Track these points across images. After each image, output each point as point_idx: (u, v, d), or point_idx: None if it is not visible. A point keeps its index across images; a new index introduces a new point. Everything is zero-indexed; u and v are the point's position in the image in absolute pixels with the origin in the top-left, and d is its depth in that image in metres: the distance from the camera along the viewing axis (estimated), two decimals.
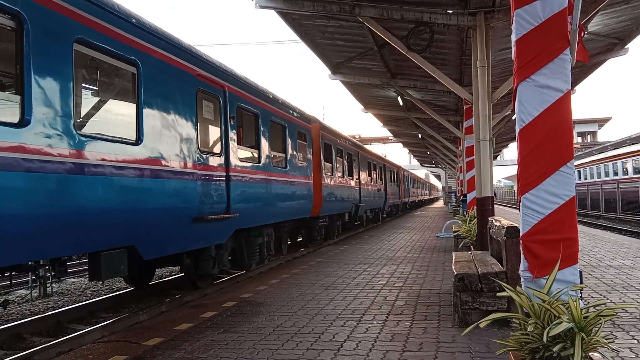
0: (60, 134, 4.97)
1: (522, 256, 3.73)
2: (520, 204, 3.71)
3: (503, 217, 7.46)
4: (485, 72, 9.86)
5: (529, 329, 3.23)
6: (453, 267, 6.04)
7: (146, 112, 6.37)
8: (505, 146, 43.62)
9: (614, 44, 13.67)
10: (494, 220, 6.85)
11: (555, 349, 3.01)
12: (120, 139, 5.93)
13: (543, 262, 3.59)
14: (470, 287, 5.38)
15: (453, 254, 7.34)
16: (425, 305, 6.46)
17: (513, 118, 21.23)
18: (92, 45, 5.57)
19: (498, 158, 60.55)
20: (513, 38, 3.69)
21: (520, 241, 3.74)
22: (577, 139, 76.76)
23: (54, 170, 4.89)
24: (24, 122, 4.61)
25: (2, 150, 4.32)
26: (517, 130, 3.69)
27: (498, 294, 4.53)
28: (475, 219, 10.66)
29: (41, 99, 4.79)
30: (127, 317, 7.15)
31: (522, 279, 3.74)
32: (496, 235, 6.31)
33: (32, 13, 4.73)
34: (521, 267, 3.73)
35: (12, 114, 4.62)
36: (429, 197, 76.16)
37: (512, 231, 5.24)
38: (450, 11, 9.94)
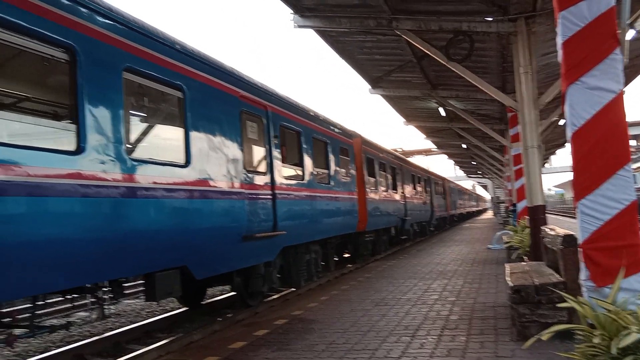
0: (114, 159, 5.16)
1: (582, 265, 3.59)
2: (577, 210, 3.58)
3: (557, 226, 7.21)
4: (530, 78, 9.64)
5: (595, 341, 3.09)
6: (508, 278, 5.86)
7: (193, 134, 6.54)
8: (553, 153, 42.29)
9: None
10: (547, 229, 6.64)
11: None
12: (169, 162, 6.09)
13: (605, 270, 3.44)
14: (527, 299, 5.20)
15: (506, 266, 7.13)
16: (480, 319, 6.28)
17: (560, 123, 20.62)
18: (140, 72, 5.79)
19: (546, 165, 58.75)
20: (559, 41, 3.60)
21: (580, 249, 3.60)
22: (631, 142, 73.54)
23: (109, 195, 5.07)
24: (79, 149, 4.81)
25: (61, 178, 4.52)
26: (569, 134, 3.58)
27: (558, 305, 4.35)
28: (527, 229, 10.35)
29: (95, 126, 4.99)
30: (182, 336, 7.27)
31: (583, 289, 3.59)
32: (551, 244, 6.10)
33: (83, 45, 4.96)
34: (582, 277, 3.59)
35: (69, 143, 4.83)
36: (476, 209, 74.46)
37: (569, 239, 5.05)
38: (490, 19, 9.80)
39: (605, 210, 3.49)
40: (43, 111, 5.99)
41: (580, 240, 3.63)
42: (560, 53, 3.62)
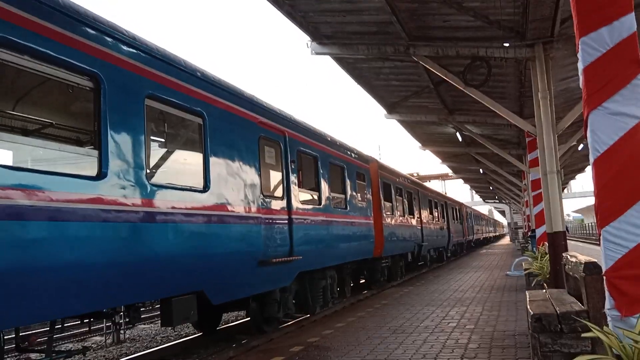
0: (134, 184, 5.22)
1: (607, 293, 3.51)
2: (601, 237, 3.52)
3: (578, 253, 7.07)
4: (548, 103, 9.61)
5: None
6: (528, 306, 5.74)
7: (212, 160, 6.60)
8: (572, 178, 41.78)
9: None
10: (569, 256, 6.51)
11: None
12: (188, 187, 6.15)
13: (631, 299, 3.36)
14: (549, 328, 5.07)
15: (527, 293, 6.99)
16: (500, 348, 6.15)
17: (579, 149, 20.41)
18: (161, 99, 5.89)
19: (565, 190, 58.06)
20: (580, 66, 3.59)
21: (604, 277, 3.53)
22: None
23: (128, 220, 5.11)
24: (101, 175, 4.88)
25: (82, 202, 4.58)
26: (592, 160, 3.54)
27: (583, 335, 4.24)
28: (547, 255, 10.17)
29: (116, 152, 5.07)
30: None
31: (608, 318, 3.51)
32: (573, 272, 5.97)
33: (108, 73, 5.08)
34: (607, 306, 3.51)
35: (91, 168, 4.91)
36: (494, 234, 73.50)
37: (591, 267, 4.93)
38: (507, 44, 9.83)
39: (631, 238, 3.42)
40: (66, 137, 6.11)
41: (604, 269, 3.55)
42: (581, 79, 3.60)
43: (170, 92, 6.01)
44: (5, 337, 4.93)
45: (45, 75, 4.65)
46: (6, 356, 8.92)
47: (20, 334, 5.46)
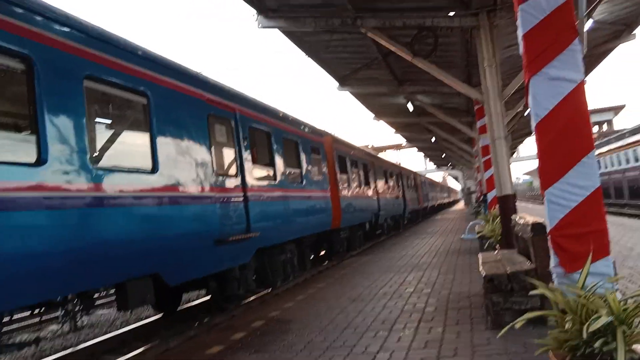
0: (77, 169, 5.03)
1: (551, 252, 3.66)
2: (545, 198, 3.64)
3: (526, 214, 7.35)
4: (494, 71, 9.80)
5: (566, 326, 3.15)
6: (481, 268, 5.95)
7: (160, 140, 6.43)
8: (521, 142, 43.14)
9: (621, 30, 13.50)
10: (517, 218, 6.75)
11: (597, 344, 2.93)
12: (136, 169, 5.98)
13: (574, 256, 3.51)
14: (500, 287, 5.29)
15: (479, 255, 7.23)
16: (455, 310, 6.36)
17: (525, 114, 21.03)
18: (101, 80, 5.65)
19: (514, 154, 59.93)
20: (520, 33, 3.66)
21: (549, 237, 3.67)
22: (594, 129, 75.51)
23: (73, 206, 4.94)
24: (41, 161, 4.67)
25: (22, 190, 4.38)
26: (533, 125, 3.64)
27: (531, 293, 4.43)
28: (498, 218, 10.53)
29: (56, 137, 4.85)
30: (158, 344, 7.15)
31: (554, 275, 3.66)
32: (522, 232, 6.21)
33: (41, 55, 4.81)
34: (552, 263, 3.66)
35: (29, 154, 4.68)
36: (448, 200, 75.48)
37: (538, 227, 5.15)
38: (452, 14, 9.91)
39: (572, 198, 3.56)
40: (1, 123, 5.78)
41: (548, 228, 3.69)
42: (521, 45, 3.67)
43: (111, 73, 5.78)
44: None
45: None
46: None
47: None
